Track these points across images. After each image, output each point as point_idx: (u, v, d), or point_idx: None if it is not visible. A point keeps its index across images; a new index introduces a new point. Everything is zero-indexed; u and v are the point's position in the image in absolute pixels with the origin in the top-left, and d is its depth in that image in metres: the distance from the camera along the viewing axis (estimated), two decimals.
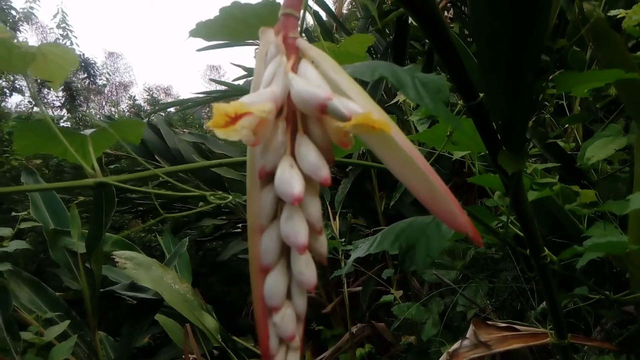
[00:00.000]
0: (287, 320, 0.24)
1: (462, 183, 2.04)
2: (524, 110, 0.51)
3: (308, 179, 0.23)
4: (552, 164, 1.08)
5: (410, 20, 2.00)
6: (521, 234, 0.66)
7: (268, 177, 0.24)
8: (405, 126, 2.00)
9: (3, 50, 0.48)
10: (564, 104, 1.48)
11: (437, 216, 0.26)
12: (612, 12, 0.95)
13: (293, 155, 0.24)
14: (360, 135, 0.25)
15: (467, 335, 0.99)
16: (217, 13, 0.40)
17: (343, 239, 1.78)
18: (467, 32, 2.09)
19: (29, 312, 1.64)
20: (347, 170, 2.21)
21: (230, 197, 0.51)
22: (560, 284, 1.20)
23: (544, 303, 1.20)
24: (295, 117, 0.24)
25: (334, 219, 1.94)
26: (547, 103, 1.30)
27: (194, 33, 0.41)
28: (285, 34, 0.25)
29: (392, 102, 1.59)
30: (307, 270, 0.24)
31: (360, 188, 2.26)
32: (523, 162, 0.52)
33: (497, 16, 0.43)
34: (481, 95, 0.47)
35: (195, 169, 1.09)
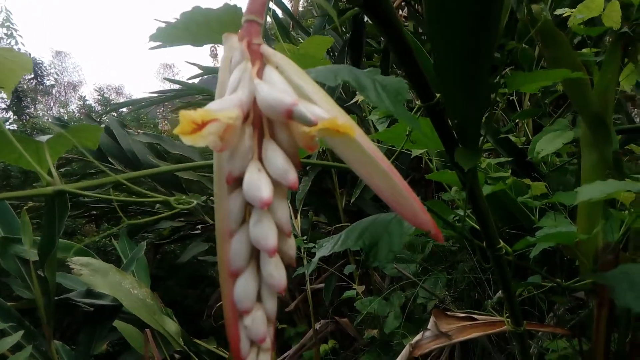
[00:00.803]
0: (257, 322, 0.24)
1: (420, 178, 2.08)
2: (478, 108, 0.53)
3: (276, 183, 0.24)
4: (505, 159, 1.13)
5: (366, 18, 2.02)
6: (477, 226, 0.69)
7: (236, 182, 0.24)
8: (364, 124, 2.02)
9: None
10: (515, 99, 1.54)
11: (400, 214, 0.27)
12: (558, 11, 0.98)
13: (260, 160, 0.24)
14: (325, 138, 0.25)
15: (429, 327, 1.01)
16: (174, 15, 0.40)
17: (305, 237, 1.78)
18: (421, 31, 2.13)
19: None
20: (307, 168, 2.21)
21: (195, 202, 0.50)
22: (515, 273, 1.25)
23: (500, 292, 1.25)
24: (262, 122, 0.24)
25: (296, 217, 1.94)
26: (498, 100, 1.35)
27: (154, 38, 0.41)
28: (249, 40, 0.26)
29: (352, 101, 1.60)
30: (276, 272, 0.24)
31: (320, 186, 2.27)
32: (478, 158, 0.54)
33: (452, 15, 0.44)
34: (437, 95, 0.48)
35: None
